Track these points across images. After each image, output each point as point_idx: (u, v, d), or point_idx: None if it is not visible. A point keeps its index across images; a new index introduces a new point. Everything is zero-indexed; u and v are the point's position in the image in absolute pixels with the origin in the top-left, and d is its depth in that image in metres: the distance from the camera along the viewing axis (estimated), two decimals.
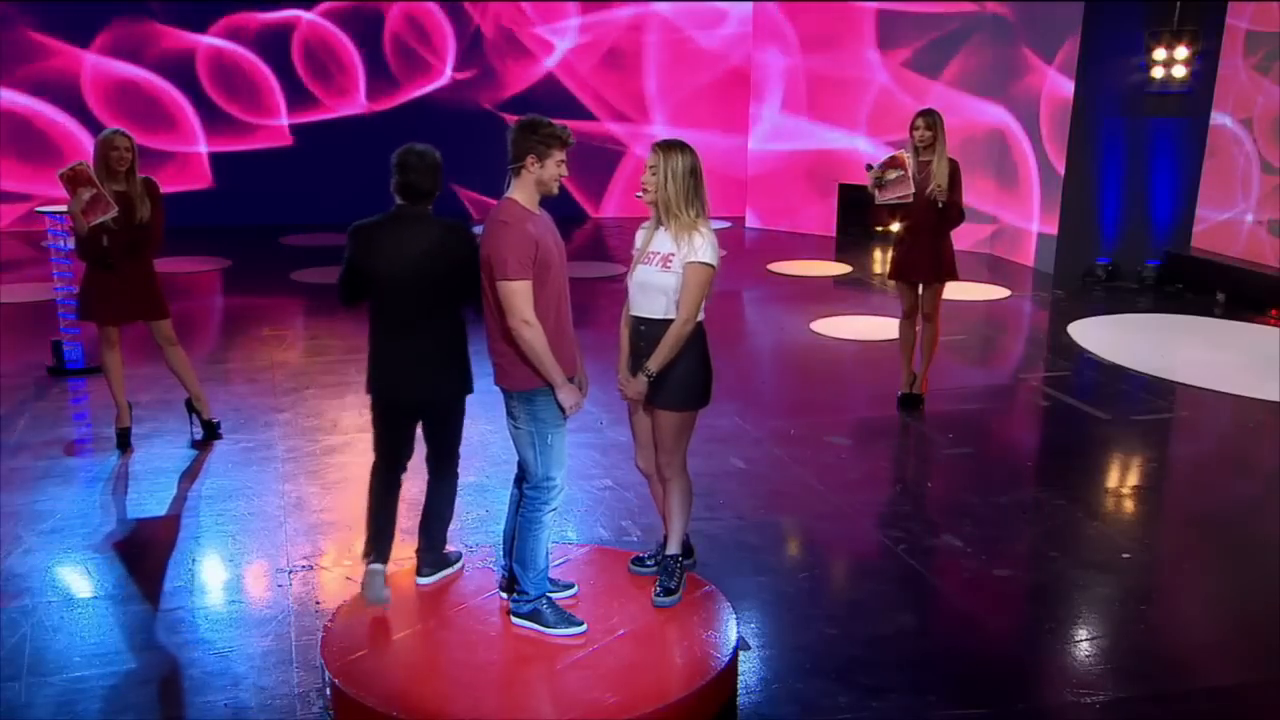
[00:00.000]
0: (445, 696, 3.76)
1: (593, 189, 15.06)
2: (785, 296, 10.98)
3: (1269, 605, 4.88)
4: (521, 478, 4.21)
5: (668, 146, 4.18)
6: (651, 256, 4.21)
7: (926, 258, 7.03)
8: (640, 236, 4.33)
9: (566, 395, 4.01)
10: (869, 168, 6.97)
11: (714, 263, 4.16)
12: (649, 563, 4.55)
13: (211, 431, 6.56)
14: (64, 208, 6.51)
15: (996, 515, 5.81)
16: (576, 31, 14.77)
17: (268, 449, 6.44)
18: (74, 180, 5.84)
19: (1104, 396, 7.74)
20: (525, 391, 4.01)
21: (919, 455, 6.76)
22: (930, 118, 6.87)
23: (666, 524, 4.53)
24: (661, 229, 4.22)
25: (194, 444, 6.47)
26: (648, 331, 4.23)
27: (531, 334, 3.88)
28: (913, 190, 6.79)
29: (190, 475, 6.06)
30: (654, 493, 4.61)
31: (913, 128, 6.90)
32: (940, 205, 6.80)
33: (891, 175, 6.81)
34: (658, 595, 4.33)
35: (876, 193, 6.90)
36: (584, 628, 4.15)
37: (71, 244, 7.06)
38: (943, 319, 7.39)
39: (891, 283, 7.59)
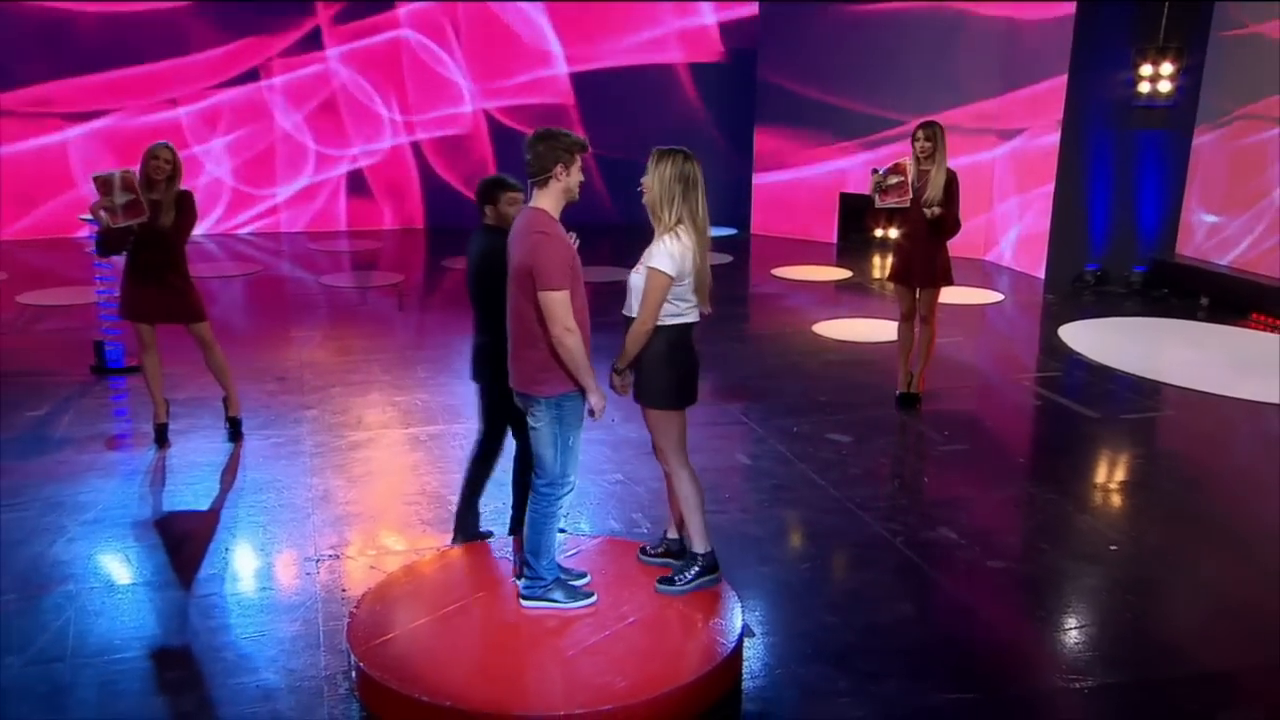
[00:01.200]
0: (464, 680, 3.76)
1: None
2: (789, 300, 10.97)
3: (1251, 594, 4.87)
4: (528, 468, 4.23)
5: (662, 153, 4.12)
6: (641, 259, 4.17)
7: (923, 263, 7.02)
8: None
9: (599, 398, 4.03)
10: (874, 172, 6.98)
11: (667, 270, 4.02)
12: (652, 551, 4.55)
13: (235, 428, 6.58)
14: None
15: (990, 509, 5.80)
16: (585, 45, 14.72)
17: (296, 444, 6.46)
18: (108, 184, 5.88)
19: (1093, 396, 7.71)
20: (554, 397, 4.00)
21: (916, 452, 6.74)
22: (931, 129, 6.85)
23: (674, 517, 4.52)
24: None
25: (230, 438, 6.49)
26: (626, 330, 4.19)
27: (573, 341, 3.88)
28: (910, 197, 6.80)
29: (224, 469, 6.08)
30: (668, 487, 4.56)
31: (914, 139, 6.89)
32: (934, 214, 6.77)
33: (892, 181, 6.84)
34: (660, 581, 4.35)
35: (877, 196, 6.92)
36: (594, 598, 4.23)
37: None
38: (938, 322, 7.38)
39: (890, 286, 7.56)
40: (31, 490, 5.70)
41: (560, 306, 3.84)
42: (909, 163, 6.86)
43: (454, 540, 5.00)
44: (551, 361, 3.93)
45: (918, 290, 7.14)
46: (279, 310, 10.32)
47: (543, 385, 3.99)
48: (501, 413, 4.79)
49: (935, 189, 6.78)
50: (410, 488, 5.86)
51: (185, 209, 6.14)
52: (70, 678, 4.02)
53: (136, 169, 6.01)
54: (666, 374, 4.19)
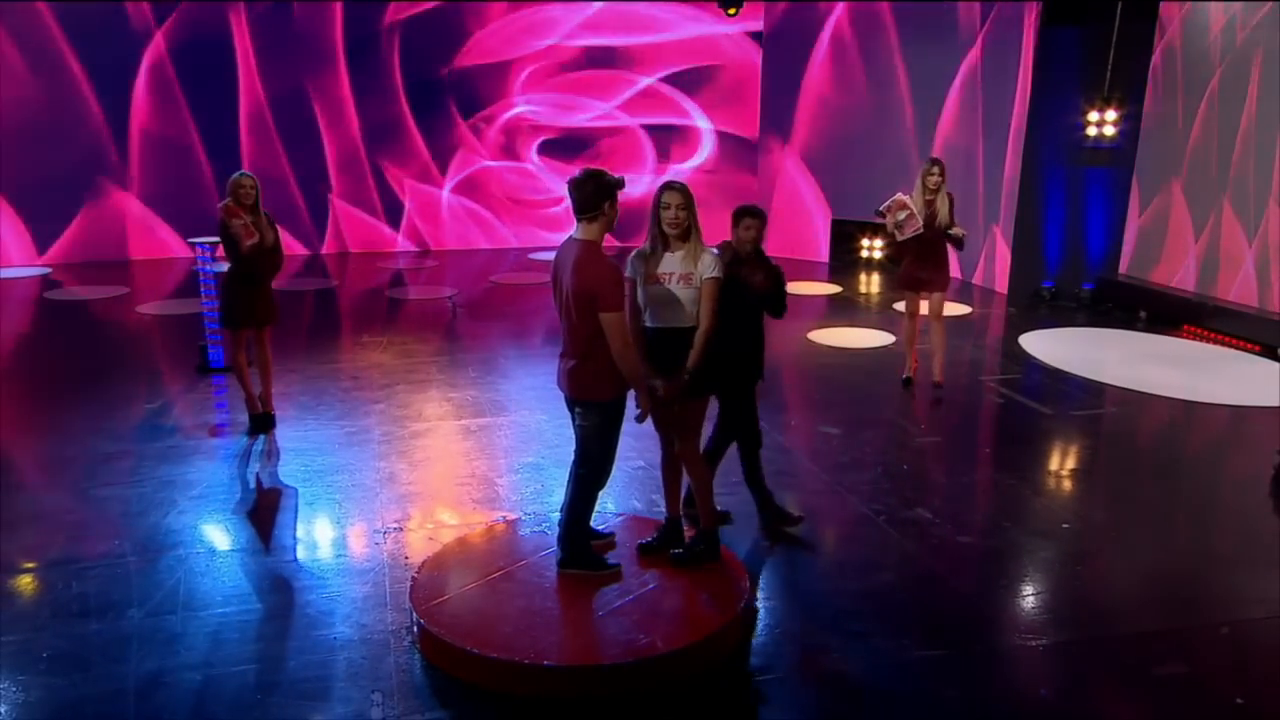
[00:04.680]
0: (510, 635, 3.79)
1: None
2: (787, 311, 10.89)
3: (1180, 565, 4.85)
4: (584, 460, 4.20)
5: (683, 188, 4.10)
6: (667, 277, 4.10)
7: (938, 273, 7.24)
8: (636, 264, 4.16)
9: (646, 402, 4.03)
10: (878, 213, 7.08)
11: (722, 276, 4.11)
12: (655, 544, 4.45)
13: (271, 422, 6.50)
14: (212, 239, 6.63)
15: (959, 492, 5.77)
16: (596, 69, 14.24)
17: (366, 433, 6.49)
18: (231, 211, 5.95)
19: (1048, 395, 7.66)
20: (606, 401, 3.99)
21: (896, 442, 6.70)
22: (941, 166, 7.12)
23: (670, 501, 4.49)
24: (668, 253, 4.11)
25: (263, 430, 6.42)
26: (673, 339, 4.13)
27: (633, 354, 3.89)
28: (921, 224, 6.98)
29: (304, 453, 6.12)
30: (666, 473, 4.51)
31: (926, 174, 7.08)
32: (961, 233, 7.09)
33: (901, 216, 6.95)
34: (674, 554, 4.36)
35: (896, 233, 7.05)
36: (620, 567, 4.24)
37: (219, 266, 7.17)
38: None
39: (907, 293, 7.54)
40: (148, 470, 5.77)
41: (621, 325, 3.83)
42: (906, 197, 7.00)
43: (763, 519, 5.05)
44: (606, 372, 3.90)
45: (929, 295, 7.33)
46: (352, 319, 10.36)
47: (598, 392, 3.97)
48: (747, 412, 4.82)
49: (943, 214, 7.01)
50: (462, 471, 5.89)
51: (275, 228, 6.19)
52: (181, 627, 4.08)
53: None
54: (706, 368, 4.19)
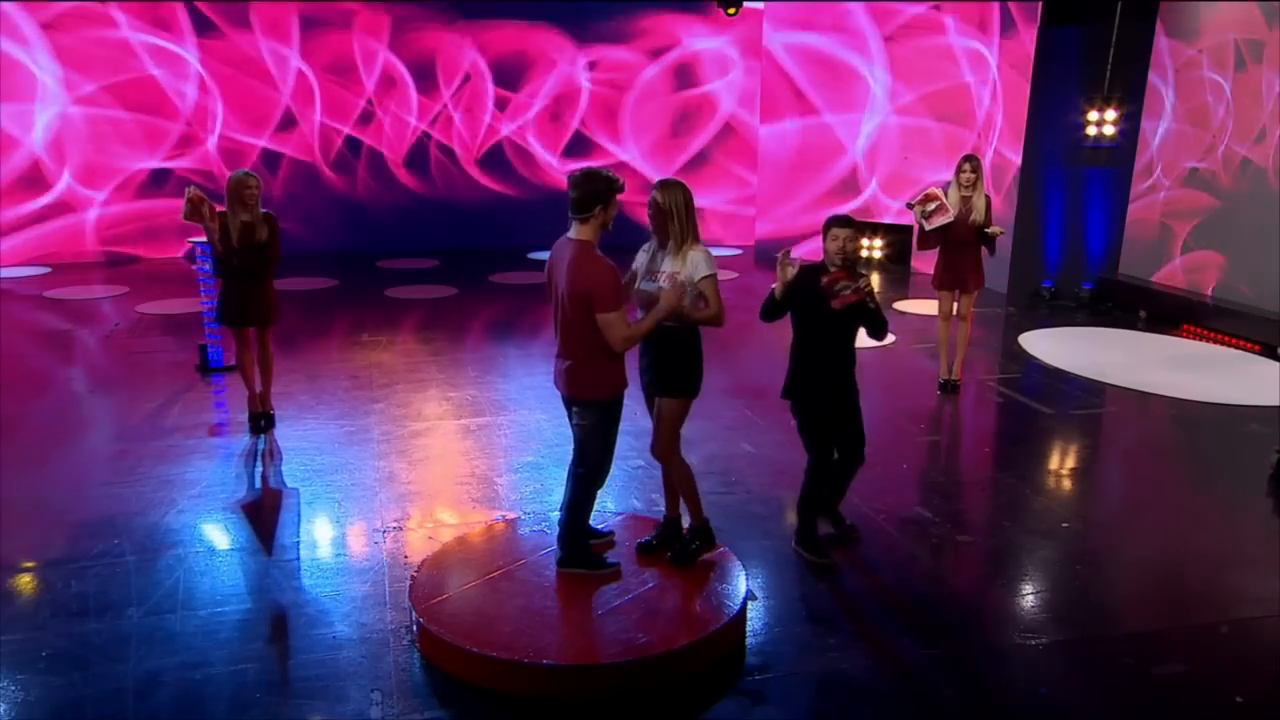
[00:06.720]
0: (509, 634, 3.78)
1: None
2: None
3: (1179, 565, 4.84)
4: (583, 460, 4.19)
5: (668, 185, 4.09)
6: (658, 275, 4.12)
7: (972, 270, 7.21)
8: (641, 257, 4.24)
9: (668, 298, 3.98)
10: (909, 205, 7.04)
11: (715, 272, 4.09)
12: (656, 542, 4.45)
13: (270, 421, 6.51)
14: (205, 239, 6.63)
15: (959, 491, 5.77)
16: (599, 71, 14.24)
17: (365, 432, 6.49)
18: (196, 213, 5.91)
19: (1047, 395, 7.66)
20: (603, 401, 3.99)
21: (897, 442, 6.70)
22: (974, 162, 7.07)
23: (669, 501, 4.49)
24: (666, 253, 4.13)
25: (262, 430, 6.42)
26: (661, 337, 4.12)
27: (637, 336, 3.91)
28: (952, 217, 6.90)
29: (304, 452, 6.12)
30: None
31: (960, 170, 7.06)
32: (997, 233, 7.02)
33: (931, 207, 6.90)
34: (672, 554, 4.35)
35: (924, 222, 6.99)
36: (619, 566, 4.24)
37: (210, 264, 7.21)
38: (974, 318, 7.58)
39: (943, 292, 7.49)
40: (147, 469, 5.77)
41: (619, 323, 3.83)
42: (938, 190, 6.98)
43: (802, 549, 4.71)
44: (602, 371, 3.90)
45: (959, 294, 7.30)
46: (352, 319, 10.35)
47: (595, 391, 3.97)
48: (824, 431, 4.73)
49: (979, 211, 7.01)
50: (462, 470, 5.89)
51: (276, 228, 6.17)
52: (180, 626, 4.07)
53: (193, 190, 6.00)
54: (696, 368, 4.20)
